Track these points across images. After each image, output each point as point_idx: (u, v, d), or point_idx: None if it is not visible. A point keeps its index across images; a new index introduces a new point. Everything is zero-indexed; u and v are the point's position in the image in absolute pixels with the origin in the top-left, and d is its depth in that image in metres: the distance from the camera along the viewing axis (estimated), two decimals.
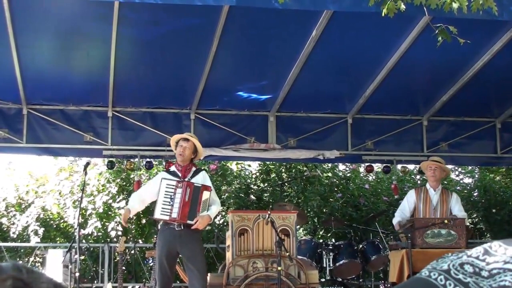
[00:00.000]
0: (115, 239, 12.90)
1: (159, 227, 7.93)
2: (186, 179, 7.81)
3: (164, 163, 11.02)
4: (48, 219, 14.22)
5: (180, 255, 7.93)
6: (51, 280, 1.22)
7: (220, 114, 10.75)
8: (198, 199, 7.73)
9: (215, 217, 13.77)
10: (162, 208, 7.65)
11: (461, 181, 16.76)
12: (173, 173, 7.93)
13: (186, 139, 7.97)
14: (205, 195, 7.81)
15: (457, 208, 9.17)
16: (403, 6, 5.92)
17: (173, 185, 7.70)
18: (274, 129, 10.86)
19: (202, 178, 8.00)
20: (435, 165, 9.26)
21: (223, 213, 14.03)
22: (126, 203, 13.28)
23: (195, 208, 7.71)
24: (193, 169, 8.03)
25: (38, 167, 15.97)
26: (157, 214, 7.70)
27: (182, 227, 7.68)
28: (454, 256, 1.24)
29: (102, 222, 13.57)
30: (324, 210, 14.37)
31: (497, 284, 1.16)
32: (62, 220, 14.33)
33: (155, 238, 9.17)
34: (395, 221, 9.23)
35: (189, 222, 7.67)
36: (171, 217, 7.62)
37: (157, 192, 7.74)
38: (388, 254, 9.43)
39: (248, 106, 10.67)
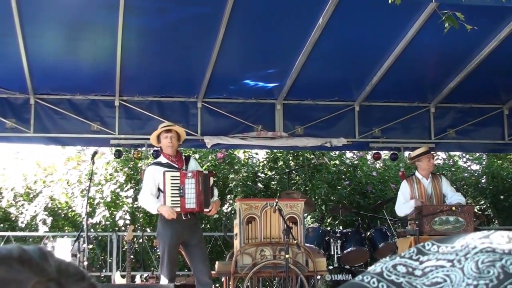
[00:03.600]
0: (123, 228, 12.94)
1: (161, 217, 7.87)
2: (183, 169, 7.85)
3: None
4: (56, 209, 14.27)
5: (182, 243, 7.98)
6: (85, 277, 1.17)
7: (227, 102, 10.73)
8: (208, 186, 7.81)
9: (223, 206, 13.87)
10: (172, 200, 7.67)
11: (469, 168, 16.75)
12: (167, 165, 7.91)
13: (169, 130, 8.00)
14: (211, 181, 7.91)
15: (449, 190, 9.17)
16: None
17: (177, 176, 7.72)
18: (281, 117, 10.84)
19: (195, 165, 8.17)
20: (431, 156, 9.27)
21: (231, 201, 14.05)
22: (134, 192, 13.40)
23: (208, 196, 7.82)
24: (182, 157, 8.10)
25: (46, 157, 16.00)
26: None
27: (189, 216, 7.73)
28: (388, 259, 1.26)
29: (110, 211, 13.62)
30: (332, 198, 14.38)
31: (429, 281, 1.18)
32: (70, 209, 14.38)
33: None
34: (402, 211, 9.12)
35: (205, 210, 7.79)
36: (186, 208, 7.66)
37: (161, 185, 7.76)
38: (396, 241, 9.43)
39: (255, 94, 10.65)
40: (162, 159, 8.08)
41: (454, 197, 9.08)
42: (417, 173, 9.25)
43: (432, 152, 9.33)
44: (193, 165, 8.09)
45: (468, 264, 1.17)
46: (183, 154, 8.37)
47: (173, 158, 7.96)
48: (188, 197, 7.65)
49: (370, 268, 1.26)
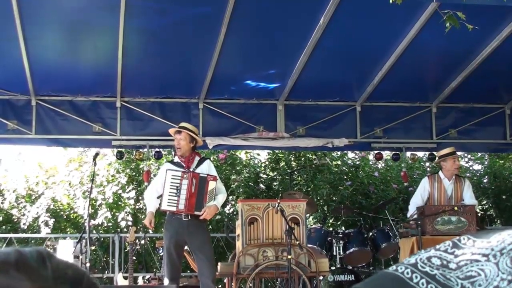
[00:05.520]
0: (125, 229, 12.93)
1: (166, 217, 7.94)
2: (191, 169, 7.83)
3: (173, 152, 11.02)
4: (58, 210, 14.27)
5: (187, 245, 7.98)
6: (81, 276, 1.15)
7: (229, 103, 10.73)
8: (204, 189, 7.74)
9: (225, 207, 13.85)
10: (169, 199, 7.68)
11: (471, 168, 16.72)
12: (177, 164, 7.94)
13: (179, 131, 7.98)
14: (211, 185, 7.81)
15: (468, 195, 9.10)
16: None
17: (179, 176, 7.71)
18: (282, 117, 10.83)
19: (207, 168, 8.03)
20: (456, 157, 9.18)
21: (233, 202, 14.04)
22: (136, 193, 13.40)
23: (202, 199, 7.73)
24: (197, 158, 8.04)
25: (48, 158, 16.01)
26: (164, 206, 7.72)
27: (190, 217, 7.71)
28: (423, 251, 1.26)
29: (112, 213, 13.61)
30: (334, 198, 14.36)
31: (464, 274, 1.18)
32: (72, 211, 14.38)
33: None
34: (410, 210, 9.11)
35: (196, 213, 7.70)
36: (178, 209, 7.65)
37: (163, 183, 7.77)
38: (398, 241, 9.41)
39: (257, 95, 10.64)
40: (175, 158, 8.20)
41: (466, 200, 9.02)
42: (440, 173, 9.13)
43: (457, 153, 9.22)
44: (205, 167, 8.00)
45: (504, 259, 1.16)
46: (200, 155, 8.30)
47: (184, 158, 7.95)
48: (181, 198, 7.66)
49: (404, 259, 1.26)
